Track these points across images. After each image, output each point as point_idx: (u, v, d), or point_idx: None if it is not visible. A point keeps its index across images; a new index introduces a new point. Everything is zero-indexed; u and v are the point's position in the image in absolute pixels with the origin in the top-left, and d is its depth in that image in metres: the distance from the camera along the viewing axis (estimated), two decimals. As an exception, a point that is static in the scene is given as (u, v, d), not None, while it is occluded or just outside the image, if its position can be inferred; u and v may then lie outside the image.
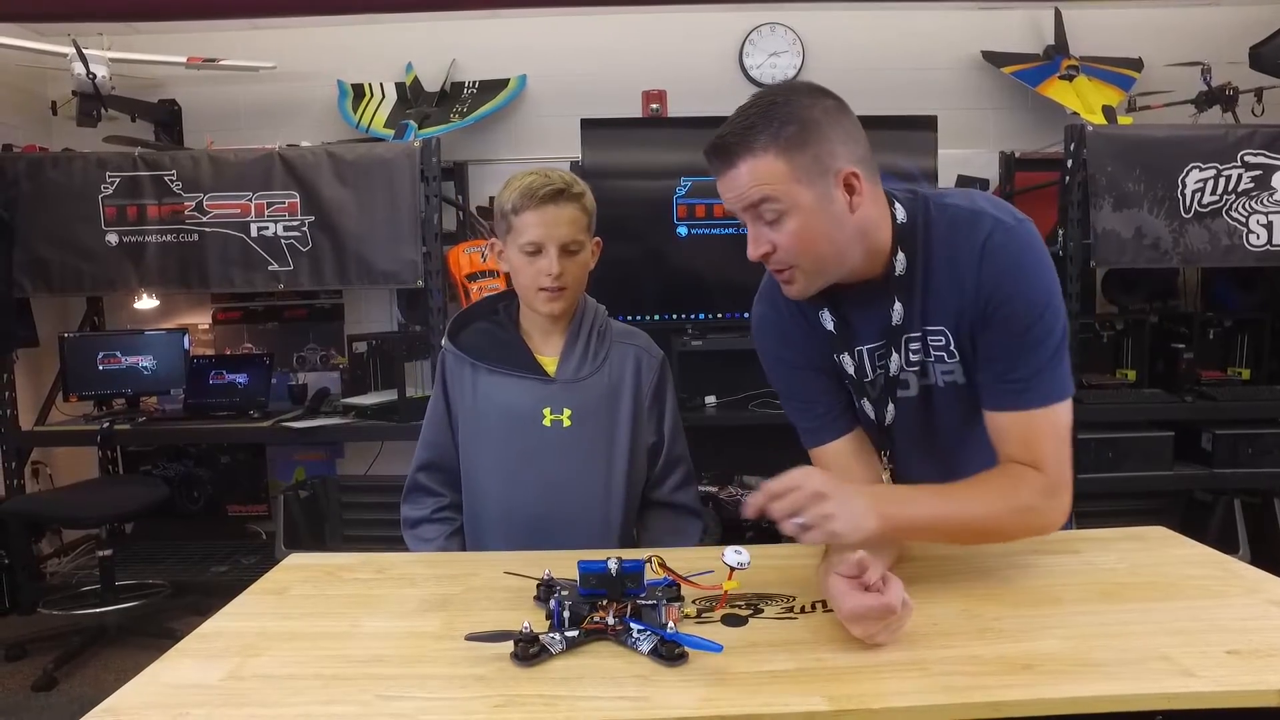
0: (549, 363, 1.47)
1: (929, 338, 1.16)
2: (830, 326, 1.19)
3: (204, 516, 3.64)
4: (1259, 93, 3.16)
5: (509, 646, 0.92)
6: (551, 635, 0.94)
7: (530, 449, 1.44)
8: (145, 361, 3.44)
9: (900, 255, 1.13)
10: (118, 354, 3.41)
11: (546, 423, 1.44)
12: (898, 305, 1.14)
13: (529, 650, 0.91)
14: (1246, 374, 3.23)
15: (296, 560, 1.28)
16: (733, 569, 0.97)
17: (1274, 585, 1.08)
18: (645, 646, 0.93)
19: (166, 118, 3.50)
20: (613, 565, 0.98)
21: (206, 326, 3.74)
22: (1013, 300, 1.08)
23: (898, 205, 1.15)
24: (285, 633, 1.02)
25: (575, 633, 0.95)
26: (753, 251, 1.10)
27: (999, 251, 1.08)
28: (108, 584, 2.94)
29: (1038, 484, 1.08)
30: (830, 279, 1.13)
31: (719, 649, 0.89)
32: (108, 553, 2.93)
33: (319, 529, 3.34)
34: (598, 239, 1.49)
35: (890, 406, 1.19)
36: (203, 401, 3.37)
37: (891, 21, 3.52)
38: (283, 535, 3.29)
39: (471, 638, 0.94)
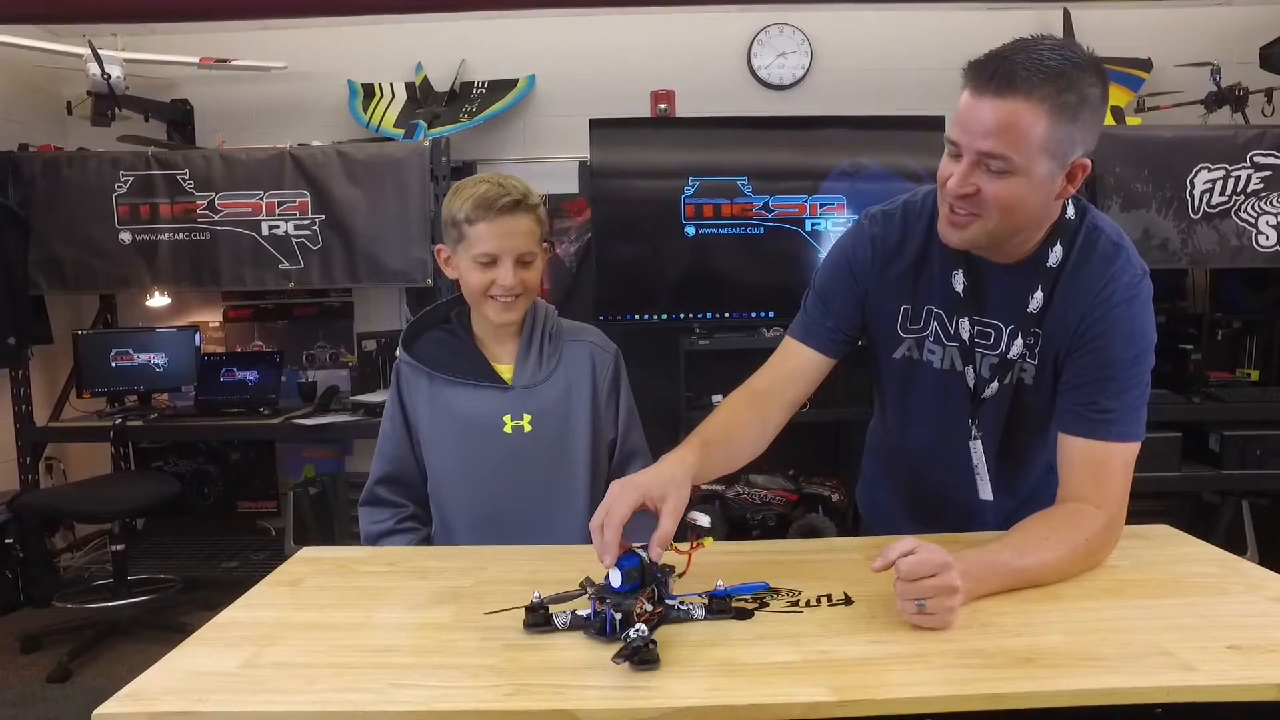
0: (505, 370, 1.47)
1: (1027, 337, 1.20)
2: (959, 288, 1.21)
3: (214, 512, 3.68)
4: (1269, 93, 3.15)
5: (521, 637, 0.95)
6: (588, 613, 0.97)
7: (493, 457, 1.44)
8: (157, 359, 3.48)
9: (1058, 247, 1.16)
10: (130, 351, 3.44)
11: (507, 430, 1.44)
12: (1039, 294, 1.17)
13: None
14: (1255, 375, 3.22)
15: (310, 553, 1.30)
16: (703, 529, 1.03)
17: (1276, 583, 1.09)
18: (700, 612, 0.99)
19: (179, 117, 3.53)
20: (644, 555, 1.01)
21: (218, 324, 3.77)
22: (1111, 334, 1.13)
23: (1068, 202, 1.17)
24: (300, 623, 1.04)
25: (643, 630, 0.91)
26: (956, 186, 1.09)
27: (1118, 290, 1.14)
28: (120, 578, 2.98)
29: (1098, 523, 1.12)
30: (994, 244, 1.15)
31: (766, 586, 0.99)
32: (120, 547, 2.96)
33: (328, 525, 3.37)
34: (547, 244, 1.48)
35: (995, 384, 1.22)
36: (214, 398, 3.40)
37: (900, 22, 3.53)
38: (292, 531, 3.33)
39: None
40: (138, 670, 0.90)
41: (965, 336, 1.22)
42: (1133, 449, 1.16)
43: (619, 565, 0.98)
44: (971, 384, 1.24)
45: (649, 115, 3.45)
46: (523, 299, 1.43)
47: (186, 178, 3.19)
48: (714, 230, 3.28)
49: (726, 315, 3.30)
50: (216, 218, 3.20)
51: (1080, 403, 1.16)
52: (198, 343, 3.55)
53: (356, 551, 1.31)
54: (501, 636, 0.98)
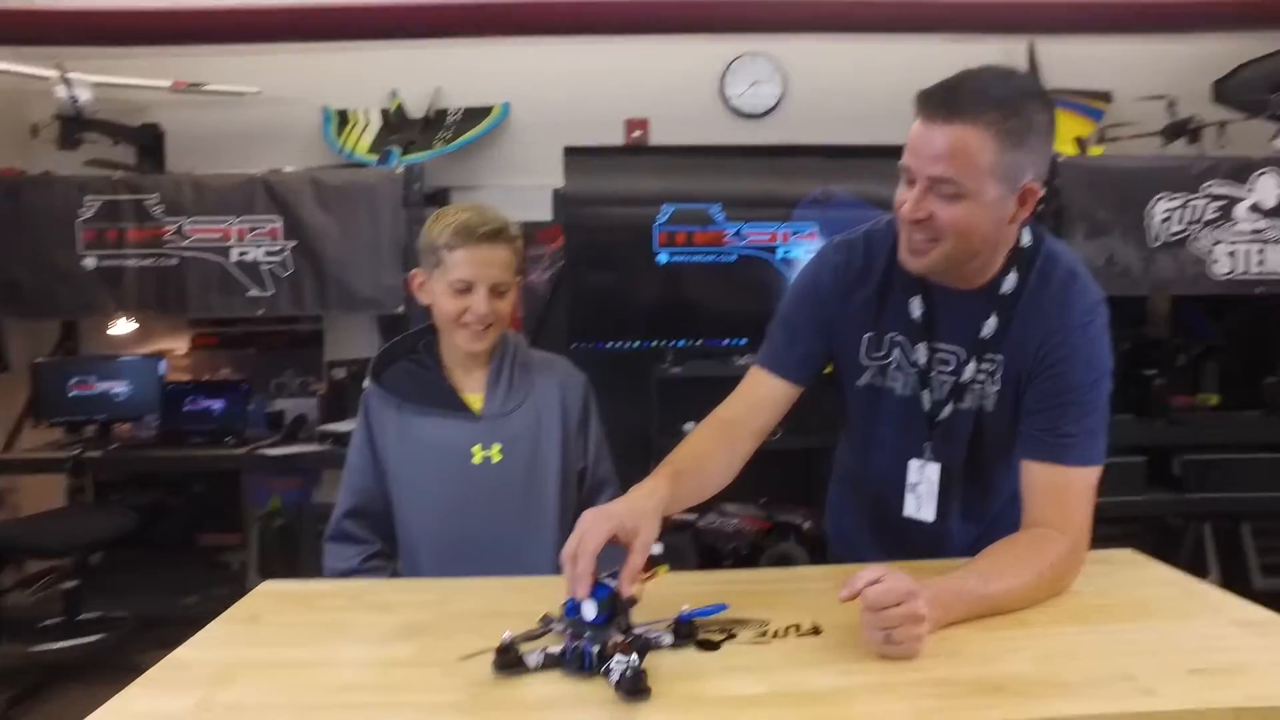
0: (474, 400, 1.47)
1: (984, 362, 1.22)
2: (916, 315, 1.23)
3: (175, 546, 3.57)
4: (1222, 126, 3.25)
5: (486, 674, 0.93)
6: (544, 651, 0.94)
7: (462, 487, 1.44)
8: (119, 387, 3.40)
9: (1013, 274, 1.19)
10: (91, 379, 3.36)
11: (477, 460, 1.44)
12: (993, 320, 1.19)
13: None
14: (1215, 400, 3.28)
15: (270, 587, 1.27)
16: (657, 558, 1.03)
17: (1236, 605, 1.11)
18: (668, 639, 0.99)
19: (149, 141, 3.49)
20: (614, 585, 1.00)
21: (184, 352, 3.71)
22: (1073, 358, 1.15)
23: (1024, 230, 1.20)
24: (257, 661, 1.01)
25: (634, 660, 0.90)
26: (910, 211, 1.11)
27: (1076, 316, 1.16)
28: (71, 617, 2.87)
29: (1062, 548, 1.13)
30: (953, 268, 1.17)
31: (725, 607, 1.03)
32: (73, 584, 2.87)
33: (294, 557, 3.30)
34: (519, 276, 1.50)
35: (950, 406, 1.24)
36: (177, 428, 3.33)
37: (870, 52, 3.60)
38: (256, 564, 3.26)
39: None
40: (85, 715, 0.87)
41: (922, 362, 1.24)
42: (1094, 473, 1.17)
43: (593, 596, 0.97)
44: (927, 407, 1.26)
45: (623, 143, 3.48)
46: (494, 328, 1.44)
47: (155, 202, 3.16)
48: (687, 258, 3.29)
49: (699, 343, 3.31)
50: (185, 243, 3.16)
51: (1041, 428, 1.18)
52: (162, 371, 3.48)
53: (319, 584, 1.28)
54: (467, 672, 0.95)
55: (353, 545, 1.49)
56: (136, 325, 3.59)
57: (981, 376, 1.22)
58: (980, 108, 1.05)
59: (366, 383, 1.51)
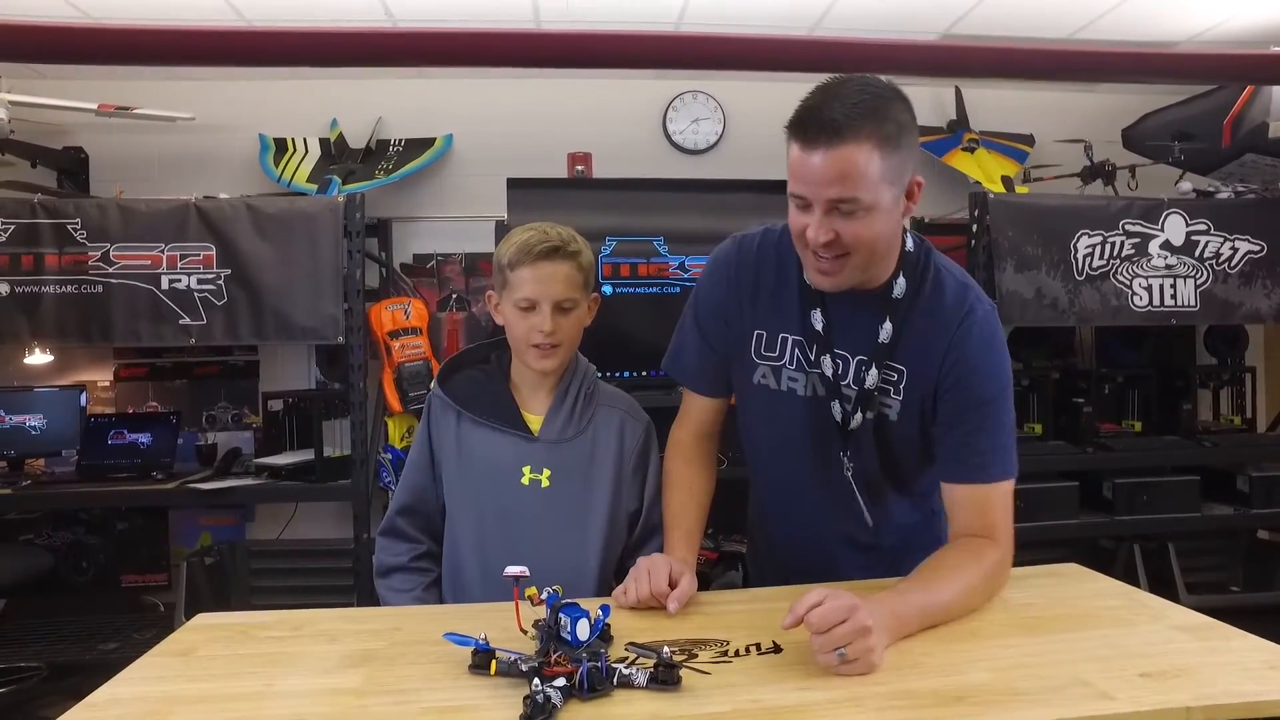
0: (534, 420, 1.45)
1: (886, 371, 1.24)
2: (819, 327, 1.24)
3: (94, 589, 3.35)
4: (1132, 169, 3.45)
5: (438, 700, 0.89)
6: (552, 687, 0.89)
7: (506, 506, 1.41)
8: (34, 420, 3.21)
9: (901, 279, 1.21)
10: (1, 413, 3.17)
11: (525, 481, 1.41)
12: (888, 325, 1.21)
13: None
14: (1138, 426, 3.43)
15: (205, 620, 1.21)
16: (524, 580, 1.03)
17: (1176, 612, 1.15)
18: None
19: (71, 165, 3.36)
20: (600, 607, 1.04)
21: (107, 384, 3.53)
22: (976, 372, 1.18)
23: (908, 235, 1.23)
24: (191, 696, 0.95)
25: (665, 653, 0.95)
26: (816, 235, 1.12)
27: (976, 327, 1.19)
28: (-31, 670, 2.67)
29: (995, 556, 1.17)
30: (862, 278, 1.18)
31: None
32: (-21, 631, 2.67)
33: (225, 597, 3.14)
34: (595, 295, 1.49)
35: (859, 415, 1.25)
36: (99, 463, 3.16)
37: (806, 92, 3.71)
38: (184, 605, 3.09)
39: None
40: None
41: (830, 373, 1.25)
42: (1010, 484, 1.22)
43: (572, 614, 0.99)
44: (838, 417, 1.26)
45: (566, 176, 3.49)
46: (562, 348, 1.42)
47: (78, 227, 3.02)
48: (631, 290, 3.31)
49: (643, 374, 3.30)
50: (111, 270, 3.03)
51: (955, 449, 1.21)
52: (83, 403, 3.30)
53: (257, 616, 1.21)
54: (417, 699, 0.92)
55: (403, 542, 1.48)
56: (52, 357, 3.40)
57: (886, 385, 1.24)
58: (857, 125, 1.08)
59: (433, 386, 1.51)
